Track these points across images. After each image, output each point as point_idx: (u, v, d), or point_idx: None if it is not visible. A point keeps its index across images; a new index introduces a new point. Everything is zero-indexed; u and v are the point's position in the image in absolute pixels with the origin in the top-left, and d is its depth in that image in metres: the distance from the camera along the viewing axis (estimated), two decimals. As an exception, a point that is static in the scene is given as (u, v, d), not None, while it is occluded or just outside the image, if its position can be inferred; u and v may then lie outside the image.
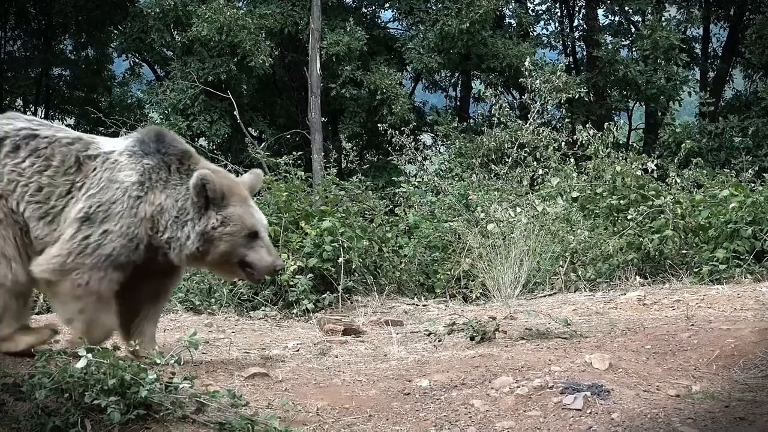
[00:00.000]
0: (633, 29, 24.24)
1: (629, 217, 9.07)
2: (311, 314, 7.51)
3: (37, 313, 6.72)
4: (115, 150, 4.69)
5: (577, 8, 26.43)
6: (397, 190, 11.92)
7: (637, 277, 8.39)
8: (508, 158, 12.74)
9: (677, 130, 21.09)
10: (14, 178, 4.56)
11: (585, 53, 25.31)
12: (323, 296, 7.89)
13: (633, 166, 9.85)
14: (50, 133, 4.69)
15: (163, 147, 4.70)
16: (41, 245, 4.57)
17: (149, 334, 4.89)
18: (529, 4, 25.41)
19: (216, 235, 4.57)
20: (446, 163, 16.39)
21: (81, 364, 3.71)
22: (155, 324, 5.00)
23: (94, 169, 4.61)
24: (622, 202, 9.42)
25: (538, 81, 14.07)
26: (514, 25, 23.85)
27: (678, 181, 10.53)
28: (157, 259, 4.66)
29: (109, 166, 4.62)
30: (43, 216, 4.56)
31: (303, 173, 10.00)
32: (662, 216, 8.85)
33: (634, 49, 23.22)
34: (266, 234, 4.78)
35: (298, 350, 5.76)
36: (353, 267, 8.40)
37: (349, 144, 15.71)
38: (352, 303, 8.10)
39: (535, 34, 24.57)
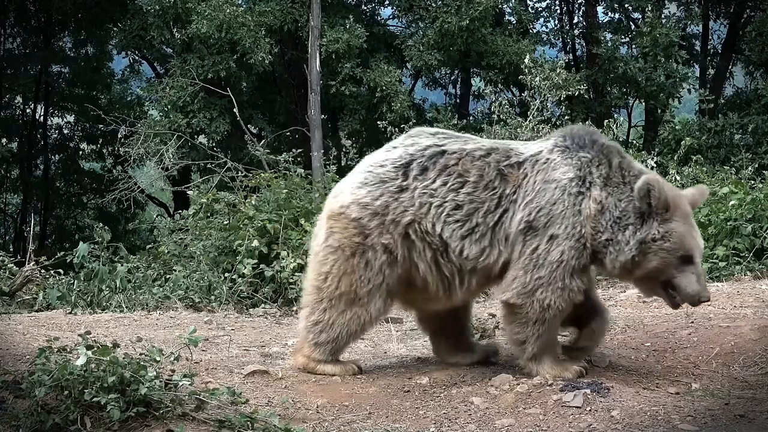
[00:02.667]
0: (633, 26, 24.21)
1: (629, 214, 9.05)
2: (311, 311, 7.49)
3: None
4: (542, 150, 4.49)
5: (576, 5, 26.41)
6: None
7: (637, 274, 8.37)
8: (508, 155, 12.71)
9: (677, 127, 21.07)
10: (426, 201, 4.45)
11: (585, 50, 25.29)
12: (323, 293, 7.87)
13: (633, 164, 9.83)
14: (458, 147, 4.54)
15: (599, 138, 4.51)
16: (471, 264, 4.45)
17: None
18: (528, 2, 25.34)
19: (653, 248, 4.30)
20: (446, 160, 16.33)
21: (81, 361, 3.70)
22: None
23: (525, 176, 4.42)
24: (621, 199, 9.40)
25: (537, 78, 14.03)
26: (514, 22, 23.80)
27: (678, 178, 10.51)
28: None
29: (541, 167, 4.42)
30: (468, 234, 4.42)
31: (303, 170, 9.99)
32: (662, 213, 8.83)
33: (633, 46, 23.19)
34: (700, 260, 4.46)
35: (297, 348, 5.75)
36: (353, 264, 8.37)
37: (349, 141, 15.66)
38: (351, 300, 8.08)
39: (534, 31, 24.50)
